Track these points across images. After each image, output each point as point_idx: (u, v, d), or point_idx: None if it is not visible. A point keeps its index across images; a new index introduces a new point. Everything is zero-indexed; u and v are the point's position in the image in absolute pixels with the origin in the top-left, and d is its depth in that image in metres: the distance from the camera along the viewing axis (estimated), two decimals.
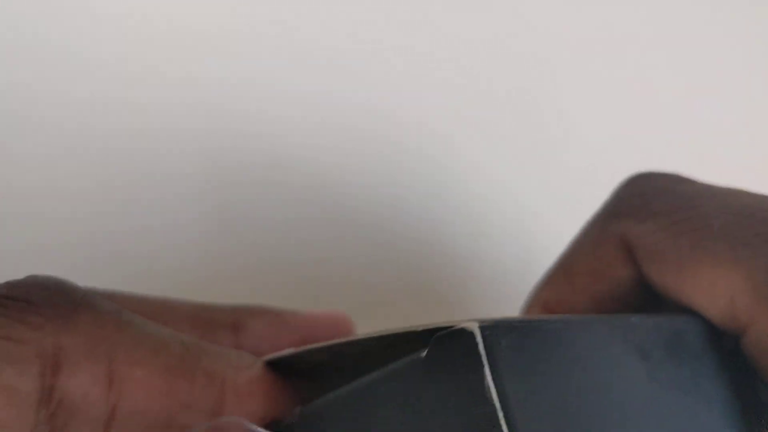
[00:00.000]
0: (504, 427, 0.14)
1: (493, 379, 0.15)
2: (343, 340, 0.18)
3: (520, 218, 0.36)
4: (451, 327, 0.15)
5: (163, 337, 0.18)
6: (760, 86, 0.41)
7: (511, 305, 0.28)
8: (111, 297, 0.20)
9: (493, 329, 0.15)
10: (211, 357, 0.19)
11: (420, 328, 0.16)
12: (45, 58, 0.32)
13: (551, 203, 0.37)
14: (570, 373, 0.16)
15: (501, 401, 0.15)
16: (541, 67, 0.38)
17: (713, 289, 0.20)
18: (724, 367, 0.20)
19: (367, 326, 0.31)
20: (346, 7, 0.35)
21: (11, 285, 0.18)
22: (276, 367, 0.20)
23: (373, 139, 0.35)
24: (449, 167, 0.36)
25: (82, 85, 0.32)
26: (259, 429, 0.18)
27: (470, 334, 0.15)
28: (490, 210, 0.36)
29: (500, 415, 0.14)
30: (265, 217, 0.34)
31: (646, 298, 0.23)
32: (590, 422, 0.16)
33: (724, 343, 0.20)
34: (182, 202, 0.33)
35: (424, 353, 0.16)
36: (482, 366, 0.15)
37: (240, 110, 0.34)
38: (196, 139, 0.33)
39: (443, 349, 0.15)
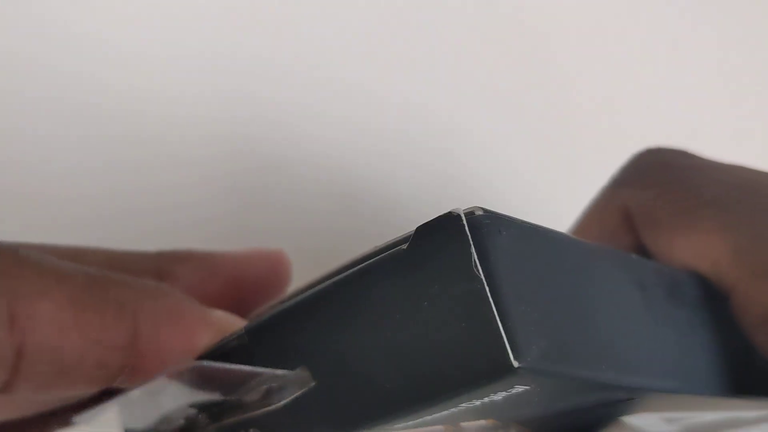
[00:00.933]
0: (492, 302, 0.14)
1: (480, 256, 0.14)
2: (332, 269, 0.17)
3: (528, 209, 0.37)
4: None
5: (66, 269, 0.17)
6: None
7: None
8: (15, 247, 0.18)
9: (494, 218, 0.15)
10: (120, 286, 0.17)
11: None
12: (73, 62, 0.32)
13: (561, 195, 0.37)
14: (566, 274, 0.16)
15: (488, 278, 0.14)
16: (554, 61, 0.39)
17: (699, 253, 0.21)
18: (721, 324, 0.20)
19: None
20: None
21: None
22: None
23: (382, 130, 0.36)
24: (458, 159, 0.37)
25: (94, 96, 0.32)
26: (214, 363, 0.17)
27: (456, 218, 0.14)
28: (498, 201, 0.37)
29: (487, 289, 0.14)
30: (277, 210, 0.34)
31: None
32: (581, 317, 0.15)
33: (722, 305, 0.21)
34: (199, 202, 0.33)
35: (406, 245, 0.15)
36: (469, 246, 0.14)
37: (254, 107, 0.34)
38: (212, 141, 0.33)
39: (428, 237, 0.15)
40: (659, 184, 0.23)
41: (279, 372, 0.16)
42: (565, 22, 0.40)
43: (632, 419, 0.18)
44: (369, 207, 0.35)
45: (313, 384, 0.16)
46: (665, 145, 0.24)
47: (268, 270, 0.22)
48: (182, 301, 0.18)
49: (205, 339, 0.18)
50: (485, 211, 0.15)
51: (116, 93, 0.32)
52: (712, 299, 0.21)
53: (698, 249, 0.21)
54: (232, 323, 0.18)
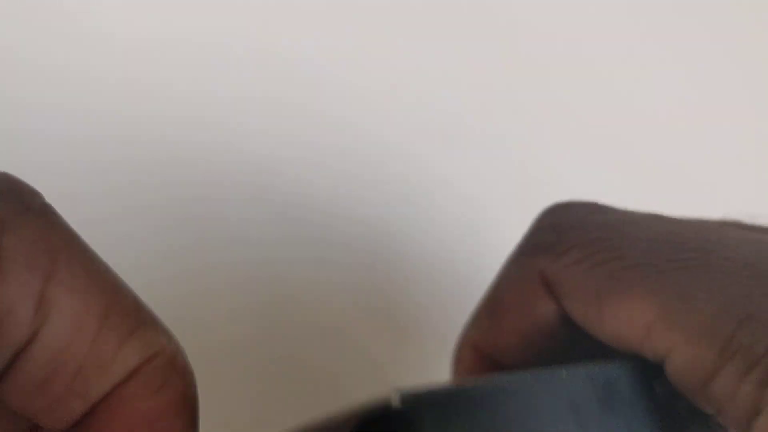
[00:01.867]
0: None
1: None
2: None
3: (491, 231, 0.36)
4: None
5: (117, 282, 0.16)
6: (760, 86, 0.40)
7: None
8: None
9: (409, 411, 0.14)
10: (157, 333, 0.16)
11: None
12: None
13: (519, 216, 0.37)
14: None
15: None
16: (553, 61, 0.38)
17: (630, 321, 0.20)
18: (658, 410, 0.20)
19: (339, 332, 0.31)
20: (334, 20, 0.35)
21: None
22: None
23: (383, 132, 0.36)
24: (416, 181, 0.36)
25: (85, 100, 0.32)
26: None
27: None
28: (496, 204, 0.36)
29: None
30: (248, 232, 0.34)
31: (574, 330, 0.22)
32: None
33: (658, 384, 0.20)
34: (177, 209, 0.33)
35: None
36: None
37: (231, 126, 0.34)
38: (191, 150, 0.33)
39: None
40: (576, 247, 0.21)
41: None
42: (564, 23, 0.38)
43: None
44: (367, 210, 0.35)
45: None
46: (574, 200, 0.23)
47: None
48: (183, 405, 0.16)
49: None
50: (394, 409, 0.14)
51: (114, 92, 0.33)
52: (647, 385, 0.20)
53: (628, 317, 0.20)
54: None
